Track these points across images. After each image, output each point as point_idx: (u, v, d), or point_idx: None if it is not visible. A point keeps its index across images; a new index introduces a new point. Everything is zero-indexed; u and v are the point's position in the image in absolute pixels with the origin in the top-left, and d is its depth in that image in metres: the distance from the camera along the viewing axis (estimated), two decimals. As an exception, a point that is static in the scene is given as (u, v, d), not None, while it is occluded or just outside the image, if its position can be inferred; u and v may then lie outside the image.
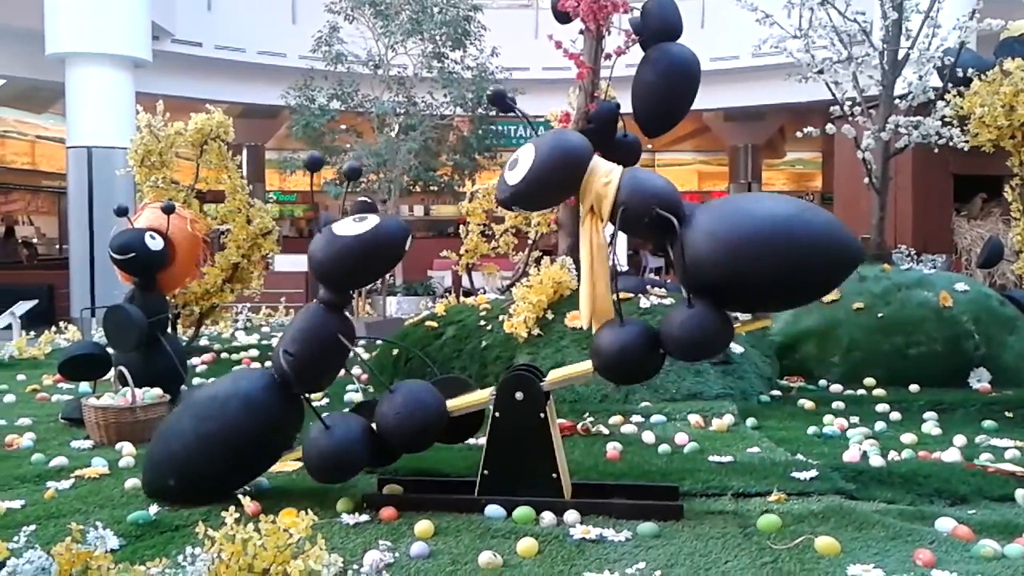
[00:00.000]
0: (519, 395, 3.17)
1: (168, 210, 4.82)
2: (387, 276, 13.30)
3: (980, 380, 5.60)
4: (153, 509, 3.14)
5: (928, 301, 5.86)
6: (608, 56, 5.57)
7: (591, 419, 4.57)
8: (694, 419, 4.65)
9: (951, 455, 3.92)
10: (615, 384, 3.69)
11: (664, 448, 4.08)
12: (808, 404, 5.06)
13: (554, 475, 3.17)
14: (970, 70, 6.04)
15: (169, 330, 5.51)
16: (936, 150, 6.22)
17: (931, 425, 4.62)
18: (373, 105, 15.18)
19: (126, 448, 3.98)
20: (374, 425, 3.20)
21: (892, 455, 3.94)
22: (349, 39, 15.10)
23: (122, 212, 4.84)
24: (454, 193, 16.46)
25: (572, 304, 5.44)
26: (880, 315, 5.81)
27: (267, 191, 23.31)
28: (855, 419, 4.75)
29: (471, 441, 4.14)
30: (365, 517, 3.08)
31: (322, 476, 3.23)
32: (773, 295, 2.98)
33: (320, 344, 3.19)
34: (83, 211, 12.93)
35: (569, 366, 3.51)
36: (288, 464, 3.81)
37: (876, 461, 3.77)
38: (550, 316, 5.35)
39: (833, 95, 6.58)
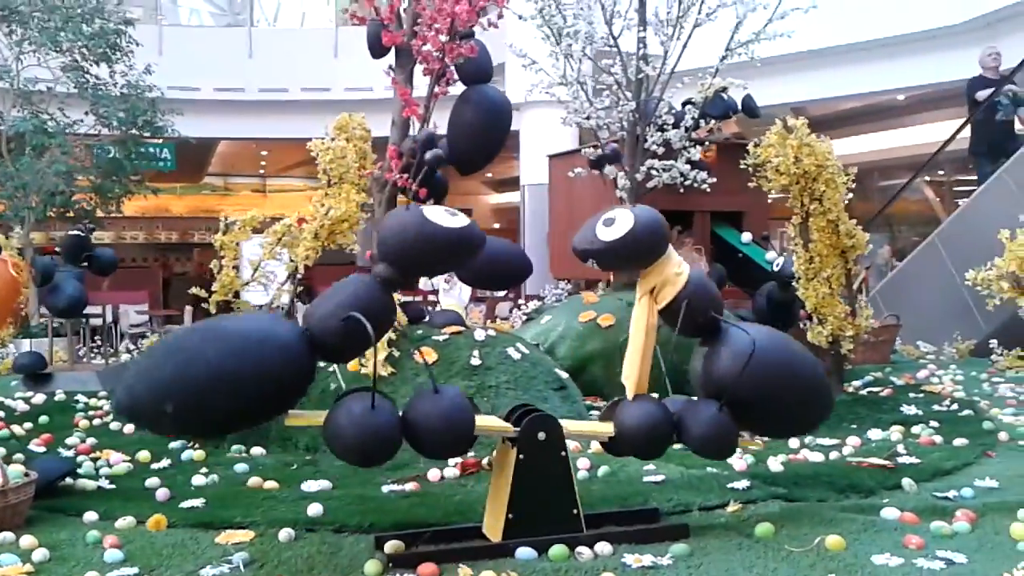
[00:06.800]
0: (542, 435, 3.25)
1: (-8, 253, 4.05)
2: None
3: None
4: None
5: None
6: (436, 96, 5.70)
7: (493, 454, 4.64)
8: (571, 444, 4.88)
9: (815, 456, 4.60)
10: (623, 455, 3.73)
11: (583, 474, 4.30)
12: (637, 421, 5.54)
13: (574, 511, 3.29)
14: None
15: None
16: (682, 190, 7.14)
17: (757, 432, 5.31)
18: (3, 123, 13.40)
19: (25, 540, 3.31)
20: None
21: (780, 459, 4.49)
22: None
23: (-66, 256, 3.96)
24: (97, 220, 15.02)
25: (416, 341, 5.45)
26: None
27: None
28: (689, 432, 5.31)
29: (407, 488, 4.10)
30: (403, 577, 2.96)
31: (357, 458, 3.02)
32: (781, 422, 3.54)
33: (369, 317, 2.98)
34: None
35: (588, 423, 3.66)
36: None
37: (775, 466, 4.32)
38: (396, 354, 5.31)
39: (597, 138, 7.28)
